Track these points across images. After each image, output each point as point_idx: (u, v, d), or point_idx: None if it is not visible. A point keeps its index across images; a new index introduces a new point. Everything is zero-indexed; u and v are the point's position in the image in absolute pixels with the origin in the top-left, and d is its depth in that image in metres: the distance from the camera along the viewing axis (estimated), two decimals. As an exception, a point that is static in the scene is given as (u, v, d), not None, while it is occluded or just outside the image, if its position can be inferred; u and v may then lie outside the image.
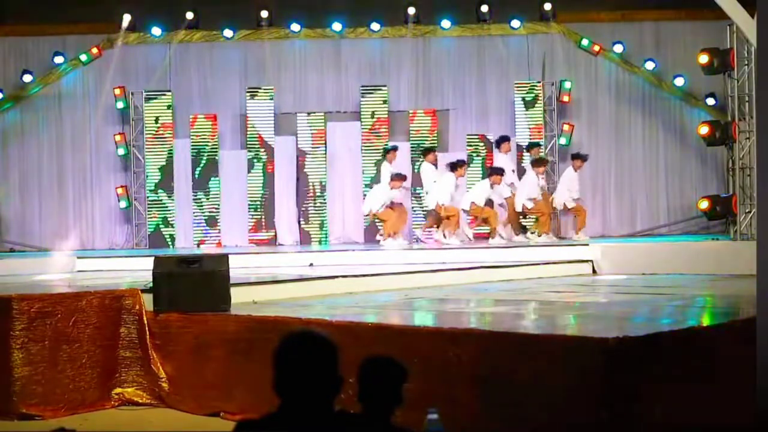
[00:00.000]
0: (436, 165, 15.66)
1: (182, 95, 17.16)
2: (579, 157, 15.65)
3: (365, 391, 3.78)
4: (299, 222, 16.72)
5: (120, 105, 16.84)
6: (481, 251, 13.87)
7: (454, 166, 15.10)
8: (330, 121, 16.98)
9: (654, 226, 16.94)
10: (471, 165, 16.22)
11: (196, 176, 16.71)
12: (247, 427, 3.34)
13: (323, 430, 3.23)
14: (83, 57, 16.86)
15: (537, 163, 15.37)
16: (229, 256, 9.05)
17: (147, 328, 8.54)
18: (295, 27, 17.11)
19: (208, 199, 16.69)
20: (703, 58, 14.37)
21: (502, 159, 15.68)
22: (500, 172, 15.15)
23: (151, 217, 16.72)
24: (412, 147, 16.66)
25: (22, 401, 8.16)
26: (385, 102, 16.89)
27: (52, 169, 17.20)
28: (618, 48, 16.83)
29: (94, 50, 16.87)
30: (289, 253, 14.45)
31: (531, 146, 15.94)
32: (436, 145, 16.50)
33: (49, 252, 15.98)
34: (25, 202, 17.16)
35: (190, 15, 17.09)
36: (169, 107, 16.89)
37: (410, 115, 16.86)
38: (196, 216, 16.72)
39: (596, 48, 16.79)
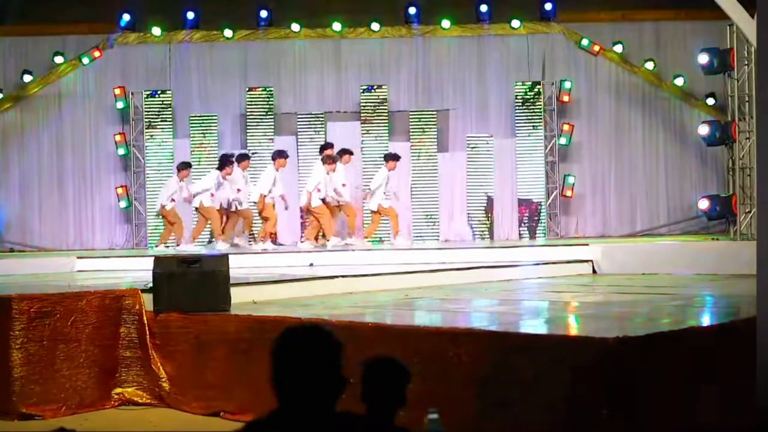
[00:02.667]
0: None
1: (182, 95, 17.16)
2: (393, 158, 15.49)
3: (369, 392, 3.78)
4: (301, 222, 16.71)
5: (120, 105, 16.85)
6: (481, 251, 13.88)
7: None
8: (330, 121, 16.99)
9: (654, 226, 16.94)
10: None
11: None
12: (252, 429, 3.26)
13: (325, 431, 3.17)
14: (85, 60, 16.89)
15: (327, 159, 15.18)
16: (229, 256, 9.06)
17: (147, 328, 8.54)
18: (295, 27, 17.12)
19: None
20: (703, 58, 14.38)
21: (339, 169, 15.23)
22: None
23: (151, 217, 16.71)
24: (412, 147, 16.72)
25: (22, 401, 8.15)
26: (385, 102, 16.89)
27: (52, 169, 17.20)
28: (618, 48, 16.83)
29: (96, 53, 16.91)
30: (289, 253, 14.44)
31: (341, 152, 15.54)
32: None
33: (49, 252, 16.01)
34: (25, 202, 17.16)
35: (190, 15, 17.11)
36: (169, 107, 16.89)
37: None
38: (195, 216, 16.69)
39: (596, 48, 16.80)
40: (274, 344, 3.14)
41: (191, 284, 8.43)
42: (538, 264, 12.71)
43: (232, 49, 17.31)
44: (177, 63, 17.28)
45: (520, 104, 16.77)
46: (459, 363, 6.48)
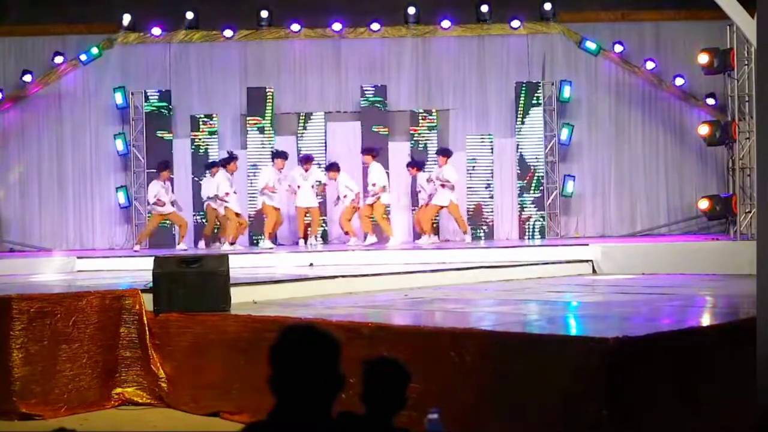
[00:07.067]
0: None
1: (182, 95, 17.16)
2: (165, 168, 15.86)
3: (369, 393, 3.77)
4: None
5: (120, 105, 16.84)
6: (481, 251, 13.88)
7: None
8: (330, 121, 16.98)
9: (654, 226, 16.92)
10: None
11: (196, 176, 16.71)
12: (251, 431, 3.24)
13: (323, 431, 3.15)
14: (83, 57, 16.89)
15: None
16: (229, 256, 9.07)
17: (147, 328, 8.54)
18: (295, 27, 17.11)
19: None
20: (703, 58, 14.37)
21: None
22: None
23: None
24: (411, 147, 16.73)
25: (22, 401, 8.16)
26: (385, 102, 16.88)
27: (52, 169, 17.20)
28: (618, 48, 16.82)
29: (95, 50, 16.91)
30: (289, 253, 14.45)
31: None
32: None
33: (49, 252, 15.99)
34: (25, 202, 17.15)
35: (190, 15, 17.11)
36: (169, 107, 16.89)
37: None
38: (195, 216, 16.70)
39: (595, 47, 16.78)
40: (272, 345, 3.14)
41: (191, 284, 8.44)
42: (538, 264, 12.71)
43: (232, 49, 17.30)
44: (177, 63, 17.27)
45: (520, 104, 16.75)
46: (459, 363, 6.48)
